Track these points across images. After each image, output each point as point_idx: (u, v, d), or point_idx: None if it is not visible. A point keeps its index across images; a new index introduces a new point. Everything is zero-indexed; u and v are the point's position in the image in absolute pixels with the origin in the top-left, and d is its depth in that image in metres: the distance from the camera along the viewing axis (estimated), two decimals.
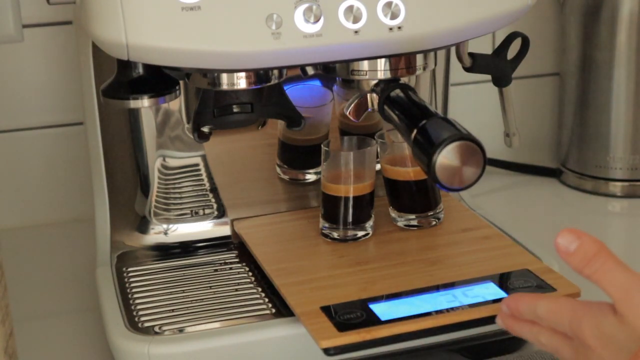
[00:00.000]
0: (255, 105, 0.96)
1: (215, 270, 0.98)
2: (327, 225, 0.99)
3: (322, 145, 0.98)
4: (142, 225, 1.04)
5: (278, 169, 1.07)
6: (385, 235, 1.00)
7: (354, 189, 0.97)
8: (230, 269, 0.98)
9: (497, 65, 0.99)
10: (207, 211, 1.05)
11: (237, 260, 1.00)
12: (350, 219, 0.98)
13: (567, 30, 1.31)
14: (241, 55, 0.82)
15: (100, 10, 0.80)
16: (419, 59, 0.91)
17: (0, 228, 1.22)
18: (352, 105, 0.92)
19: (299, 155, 1.06)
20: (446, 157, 0.78)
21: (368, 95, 0.91)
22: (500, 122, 1.04)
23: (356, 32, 0.83)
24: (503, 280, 0.89)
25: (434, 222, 1.01)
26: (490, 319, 0.84)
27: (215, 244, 1.04)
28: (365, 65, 0.89)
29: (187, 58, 0.82)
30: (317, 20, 0.81)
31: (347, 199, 0.97)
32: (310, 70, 0.93)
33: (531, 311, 0.73)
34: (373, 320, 0.82)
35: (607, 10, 1.24)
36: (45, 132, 1.25)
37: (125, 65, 0.88)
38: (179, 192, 1.04)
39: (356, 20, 0.83)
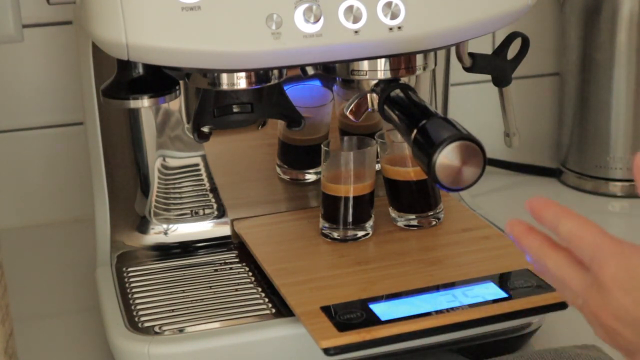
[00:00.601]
0: (255, 105, 0.95)
1: (215, 270, 0.98)
2: (327, 225, 0.99)
3: (322, 145, 0.98)
4: (142, 225, 1.04)
5: (278, 169, 1.07)
6: (385, 235, 0.99)
7: (354, 189, 0.97)
8: (230, 269, 0.98)
9: (497, 65, 0.99)
10: (207, 211, 1.05)
11: (237, 260, 1.00)
12: (350, 219, 0.98)
13: (567, 30, 1.31)
14: (241, 55, 0.82)
15: (100, 10, 0.80)
16: (419, 59, 0.91)
17: (0, 228, 1.22)
18: (352, 105, 0.92)
19: (299, 155, 1.06)
20: (446, 157, 0.78)
21: (368, 95, 0.91)
22: (500, 122, 1.04)
23: (356, 32, 0.83)
24: (503, 280, 0.89)
25: (434, 222, 1.01)
26: (490, 319, 0.84)
27: (215, 244, 1.04)
28: (365, 65, 0.89)
29: (187, 58, 0.82)
30: (317, 20, 0.81)
31: (347, 199, 0.97)
32: (310, 70, 0.93)
33: (553, 224, 0.65)
34: (373, 320, 0.82)
35: (607, 10, 1.24)
36: (45, 132, 1.25)
37: (125, 65, 0.88)
38: (179, 192, 1.04)
39: (356, 20, 0.82)
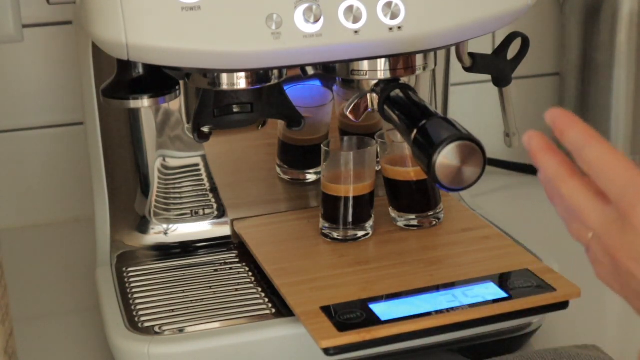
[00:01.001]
0: (255, 105, 0.96)
1: (215, 270, 0.98)
2: (327, 225, 0.99)
3: (322, 145, 0.98)
4: (142, 225, 1.04)
5: (278, 169, 1.07)
6: (385, 235, 0.99)
7: (354, 189, 0.97)
8: (230, 269, 0.98)
9: (497, 65, 0.99)
10: (207, 211, 1.05)
11: (237, 260, 1.00)
12: (350, 219, 0.98)
13: (567, 30, 1.31)
14: (241, 55, 0.82)
15: (100, 10, 0.80)
16: (419, 59, 0.91)
17: (0, 228, 1.22)
18: (352, 105, 0.92)
19: (299, 155, 1.06)
20: (446, 157, 0.78)
21: (368, 95, 0.91)
22: (500, 122, 1.04)
23: (356, 32, 0.83)
24: (503, 280, 0.89)
25: (434, 222, 1.01)
26: (490, 319, 0.84)
27: (215, 244, 1.04)
28: (365, 65, 0.89)
29: (187, 58, 0.82)
30: (317, 20, 0.81)
31: (347, 199, 0.97)
32: (310, 70, 0.93)
33: (578, 146, 0.59)
34: (373, 320, 0.82)
35: (607, 10, 1.24)
36: (45, 132, 1.25)
37: (125, 65, 0.88)
38: (179, 192, 1.04)
39: (356, 20, 0.82)
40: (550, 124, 0.60)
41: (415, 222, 1.01)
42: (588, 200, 0.58)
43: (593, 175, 0.58)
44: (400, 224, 1.01)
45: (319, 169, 1.03)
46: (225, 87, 0.90)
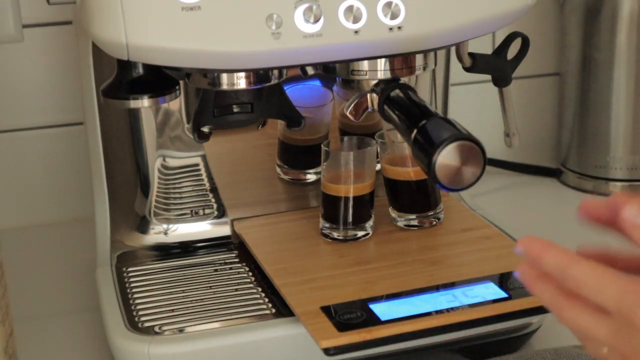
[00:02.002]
0: (255, 105, 0.96)
1: (215, 270, 0.98)
2: (327, 225, 0.99)
3: (322, 145, 0.98)
4: (142, 225, 1.04)
5: (278, 169, 1.07)
6: (385, 235, 0.99)
7: (354, 189, 0.97)
8: (230, 269, 0.98)
9: (497, 65, 0.99)
10: (207, 211, 1.05)
11: (237, 260, 1.00)
12: (350, 219, 0.98)
13: (567, 30, 1.31)
14: (241, 55, 0.82)
15: (100, 10, 0.80)
16: (419, 58, 0.91)
17: (0, 228, 1.22)
18: (352, 105, 0.92)
19: (299, 155, 1.06)
20: (446, 157, 0.78)
21: (368, 95, 0.91)
22: (501, 122, 1.04)
23: (356, 32, 0.83)
24: (503, 280, 0.89)
25: (434, 222, 1.01)
26: (490, 319, 0.84)
27: (215, 244, 1.04)
28: (365, 65, 0.89)
29: (187, 58, 0.82)
30: (317, 20, 0.81)
31: (347, 199, 0.97)
32: (310, 70, 0.93)
33: (560, 270, 0.59)
34: (373, 320, 0.82)
35: (607, 10, 1.24)
36: (45, 132, 1.25)
37: (125, 65, 0.88)
38: (179, 192, 1.04)
39: (356, 20, 0.82)
40: (524, 253, 0.62)
41: (415, 222, 1.01)
42: (590, 318, 0.59)
43: (584, 293, 0.59)
44: (400, 224, 1.01)
45: (319, 169, 1.03)
46: (225, 87, 0.90)
